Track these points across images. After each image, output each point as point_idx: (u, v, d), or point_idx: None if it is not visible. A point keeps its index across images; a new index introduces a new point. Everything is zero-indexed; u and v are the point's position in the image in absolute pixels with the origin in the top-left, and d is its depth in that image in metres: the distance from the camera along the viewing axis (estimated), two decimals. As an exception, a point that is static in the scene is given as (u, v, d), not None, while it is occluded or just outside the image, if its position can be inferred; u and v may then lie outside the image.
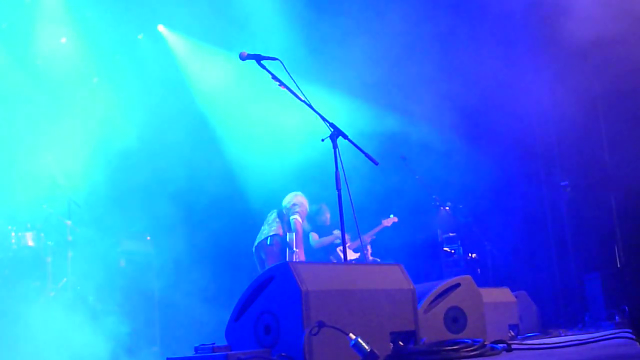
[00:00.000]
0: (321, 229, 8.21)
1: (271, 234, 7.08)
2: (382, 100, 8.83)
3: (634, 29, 7.02)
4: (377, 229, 8.70)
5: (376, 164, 4.92)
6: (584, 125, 8.12)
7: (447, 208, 8.85)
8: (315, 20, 8.53)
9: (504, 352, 3.62)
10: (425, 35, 8.30)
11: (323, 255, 8.21)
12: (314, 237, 8.19)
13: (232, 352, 3.27)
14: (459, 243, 9.28)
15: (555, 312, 8.76)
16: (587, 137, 8.23)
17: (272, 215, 7.31)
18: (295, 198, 7.29)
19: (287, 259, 6.97)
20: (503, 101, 8.53)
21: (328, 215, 8.18)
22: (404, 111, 8.82)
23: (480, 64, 8.42)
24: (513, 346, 3.76)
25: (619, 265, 8.02)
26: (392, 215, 8.82)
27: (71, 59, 8.28)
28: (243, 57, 4.84)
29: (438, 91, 8.44)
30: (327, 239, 8.16)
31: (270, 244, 7.03)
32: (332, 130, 4.87)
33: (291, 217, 7.08)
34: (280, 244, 7.07)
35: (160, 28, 9.22)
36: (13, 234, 6.86)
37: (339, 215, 4.78)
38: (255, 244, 7.24)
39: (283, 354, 3.15)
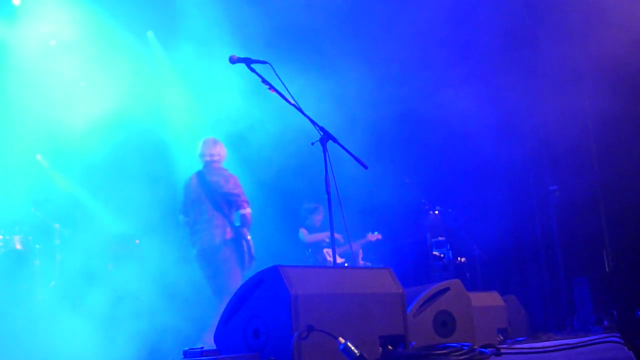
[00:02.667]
0: (309, 230, 8.25)
1: (226, 237, 6.18)
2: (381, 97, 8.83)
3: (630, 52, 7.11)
4: (361, 241, 8.79)
5: (365, 167, 4.91)
6: (573, 131, 8.18)
7: (437, 212, 8.88)
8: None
9: (493, 356, 3.62)
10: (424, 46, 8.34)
11: (311, 253, 8.23)
12: (303, 232, 8.22)
13: (221, 356, 3.26)
14: (448, 247, 9.32)
15: (544, 316, 8.79)
16: (576, 142, 8.28)
17: (204, 204, 6.27)
18: (214, 156, 6.43)
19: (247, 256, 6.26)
20: (494, 105, 8.56)
21: (320, 218, 8.22)
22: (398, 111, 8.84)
23: (475, 69, 8.46)
24: (502, 350, 3.76)
25: (607, 270, 8.07)
26: (376, 232, 8.91)
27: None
28: (233, 61, 4.82)
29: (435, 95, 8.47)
30: (319, 235, 8.20)
31: (225, 248, 6.20)
32: (322, 134, 4.86)
33: (241, 212, 6.22)
34: (233, 245, 6.23)
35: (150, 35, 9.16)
36: (0, 237, 6.82)
37: (329, 219, 4.78)
38: (198, 248, 6.30)
39: (272, 358, 3.14)
